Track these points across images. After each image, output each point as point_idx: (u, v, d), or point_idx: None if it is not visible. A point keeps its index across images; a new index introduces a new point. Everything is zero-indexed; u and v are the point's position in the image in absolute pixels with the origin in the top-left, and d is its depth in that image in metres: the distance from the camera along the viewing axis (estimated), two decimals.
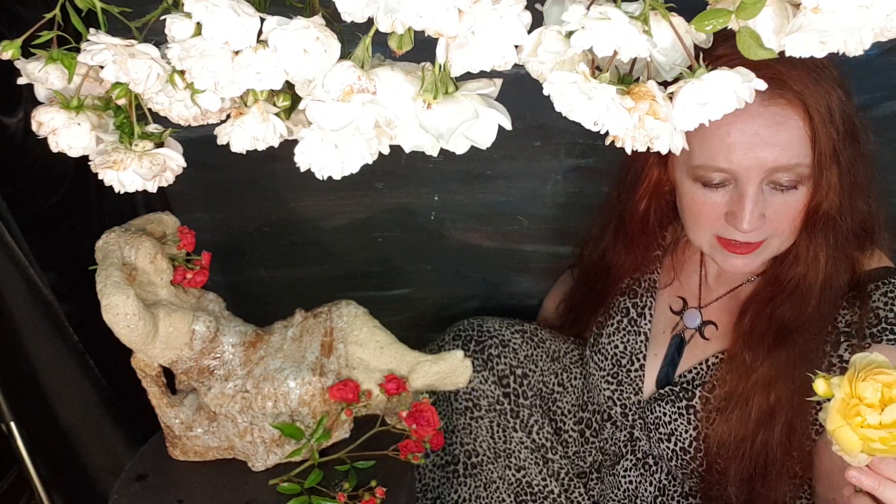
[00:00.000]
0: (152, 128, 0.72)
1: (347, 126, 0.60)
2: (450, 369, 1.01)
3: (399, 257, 1.42)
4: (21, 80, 0.70)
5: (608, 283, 1.19)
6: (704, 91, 0.56)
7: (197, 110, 0.69)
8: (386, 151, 0.66)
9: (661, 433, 1.08)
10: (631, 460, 1.15)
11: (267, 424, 0.97)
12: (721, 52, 0.77)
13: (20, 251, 1.11)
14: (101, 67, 0.64)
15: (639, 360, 1.14)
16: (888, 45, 0.55)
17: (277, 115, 0.69)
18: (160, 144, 0.72)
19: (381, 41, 0.57)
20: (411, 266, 1.43)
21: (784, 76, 0.89)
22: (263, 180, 1.35)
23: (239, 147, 0.70)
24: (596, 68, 0.58)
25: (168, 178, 0.73)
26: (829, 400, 0.71)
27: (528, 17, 0.57)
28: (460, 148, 0.62)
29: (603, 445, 1.20)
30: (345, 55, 0.60)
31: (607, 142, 0.60)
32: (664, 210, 1.09)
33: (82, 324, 1.21)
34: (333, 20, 0.62)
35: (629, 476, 1.15)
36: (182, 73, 0.63)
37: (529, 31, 0.58)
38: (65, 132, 0.69)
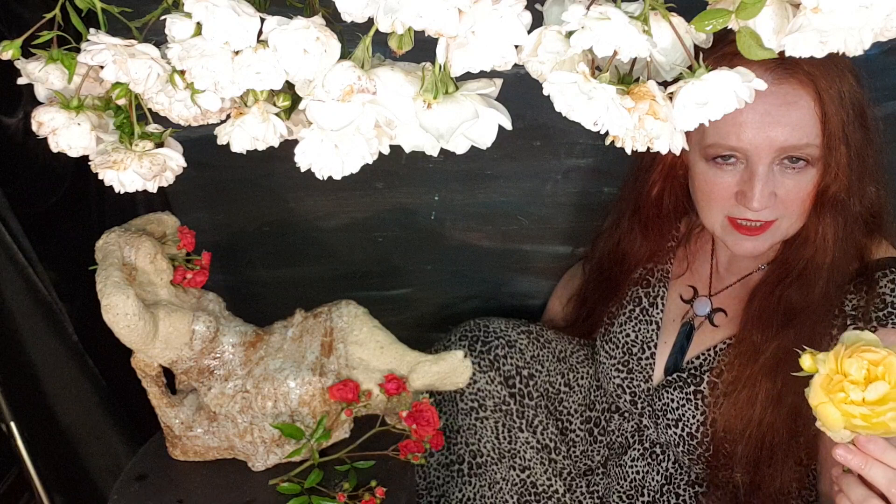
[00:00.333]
0: (152, 128, 0.72)
1: (347, 126, 0.60)
2: (450, 369, 1.01)
3: (399, 257, 1.42)
4: (21, 80, 0.70)
5: (623, 272, 1.20)
6: (704, 91, 0.56)
7: (197, 110, 0.69)
8: (386, 151, 0.66)
9: (668, 419, 1.09)
10: (638, 450, 1.16)
11: (267, 424, 0.97)
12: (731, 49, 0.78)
13: (20, 251, 1.11)
14: (101, 67, 0.64)
15: (650, 348, 1.15)
16: (888, 45, 0.55)
17: (277, 115, 0.69)
18: (160, 144, 0.72)
19: (381, 41, 0.57)
20: (411, 266, 1.43)
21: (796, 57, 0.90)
22: (263, 180, 1.35)
23: (239, 147, 0.70)
24: (596, 68, 0.58)
25: (168, 178, 0.73)
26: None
27: (528, 17, 0.57)
28: (460, 148, 0.62)
29: (610, 439, 1.20)
30: (345, 55, 0.60)
31: (607, 142, 0.60)
32: (678, 195, 1.11)
33: (82, 324, 1.21)
34: (333, 20, 0.62)
35: (636, 466, 1.16)
36: (182, 73, 0.63)
37: (529, 31, 0.58)
38: (65, 132, 0.69)
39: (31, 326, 1.15)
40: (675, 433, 1.08)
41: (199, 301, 1.01)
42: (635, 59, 0.60)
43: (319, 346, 1.00)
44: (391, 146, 0.66)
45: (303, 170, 0.65)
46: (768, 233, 0.98)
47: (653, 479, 1.15)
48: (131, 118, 0.71)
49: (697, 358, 1.09)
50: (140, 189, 0.71)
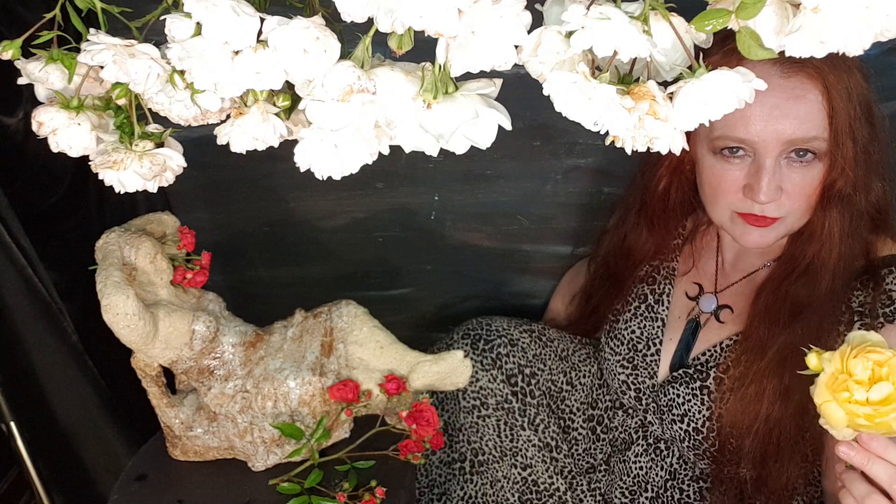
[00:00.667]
0: (152, 128, 0.72)
1: (347, 126, 0.60)
2: (450, 369, 1.01)
3: (399, 257, 1.42)
4: (21, 80, 0.70)
5: (628, 268, 1.21)
6: (704, 91, 0.56)
7: (197, 110, 0.69)
8: (386, 151, 0.66)
9: (674, 414, 1.09)
10: (642, 445, 1.16)
11: (267, 424, 0.97)
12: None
13: (20, 251, 1.11)
14: (101, 67, 0.64)
15: (655, 344, 1.15)
16: (888, 45, 0.55)
17: (277, 115, 0.69)
18: (160, 144, 0.72)
19: (381, 41, 0.57)
20: (411, 266, 1.43)
21: None
22: (263, 180, 1.35)
23: (239, 147, 0.70)
24: (596, 68, 0.58)
25: (168, 178, 0.73)
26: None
27: (528, 17, 0.57)
28: (460, 148, 0.62)
29: (613, 436, 1.20)
30: (345, 55, 0.60)
31: (607, 142, 0.60)
32: (685, 190, 1.11)
33: (82, 324, 1.21)
34: (333, 20, 0.62)
35: (640, 462, 1.16)
36: (182, 73, 0.63)
37: (529, 31, 0.58)
38: (65, 132, 0.69)
39: (31, 326, 1.15)
40: (681, 428, 1.09)
41: (199, 301, 1.01)
42: (635, 59, 0.60)
43: (319, 346, 1.00)
44: (391, 146, 0.66)
45: (303, 170, 0.65)
46: (775, 225, 0.99)
47: (656, 475, 1.15)
48: (131, 118, 0.71)
49: (703, 354, 1.10)
50: (140, 189, 0.71)
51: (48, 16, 0.65)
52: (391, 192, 1.34)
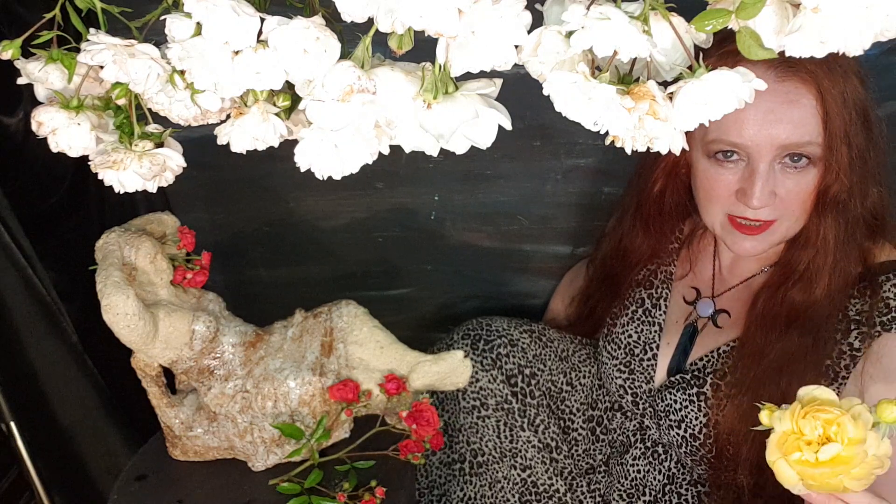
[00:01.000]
0: (152, 128, 0.72)
1: (347, 126, 0.60)
2: (450, 369, 1.01)
3: (399, 257, 1.42)
4: (21, 80, 0.70)
5: (625, 270, 1.20)
6: (704, 91, 0.56)
7: (197, 110, 0.69)
8: (386, 151, 0.66)
9: (671, 420, 1.09)
10: (640, 449, 1.16)
11: (267, 424, 0.97)
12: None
13: (20, 251, 1.11)
14: (101, 67, 0.64)
15: (652, 349, 1.15)
16: (888, 45, 0.55)
17: (277, 115, 0.69)
18: (160, 144, 0.72)
19: (381, 41, 0.57)
20: (411, 266, 1.43)
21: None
22: (263, 180, 1.35)
23: (239, 147, 0.70)
24: (596, 68, 0.58)
25: (168, 178, 0.73)
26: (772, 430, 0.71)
27: (528, 17, 0.57)
28: (460, 148, 0.62)
29: (612, 437, 1.20)
30: (345, 55, 0.60)
31: (607, 142, 0.60)
32: (680, 193, 1.11)
33: (82, 324, 1.21)
34: (333, 20, 0.62)
35: (637, 465, 1.16)
36: (182, 73, 0.63)
37: (529, 31, 0.58)
38: (65, 132, 0.69)
39: (31, 326, 1.15)
40: (678, 434, 1.08)
41: (199, 301, 1.01)
42: (635, 59, 0.60)
43: (319, 346, 1.00)
44: (391, 146, 0.66)
45: (303, 170, 0.65)
46: (767, 233, 0.98)
47: (654, 479, 1.15)
48: (131, 118, 0.70)
49: (701, 360, 1.09)
50: (140, 189, 0.71)
51: (48, 16, 0.65)
52: (391, 192, 1.35)
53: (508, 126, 0.61)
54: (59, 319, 1.18)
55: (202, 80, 0.61)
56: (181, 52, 0.60)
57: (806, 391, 0.71)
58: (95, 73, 0.68)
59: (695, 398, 1.07)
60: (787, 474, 0.70)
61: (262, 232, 1.41)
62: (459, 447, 1.16)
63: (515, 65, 0.59)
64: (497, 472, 1.15)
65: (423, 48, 0.60)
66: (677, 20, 0.58)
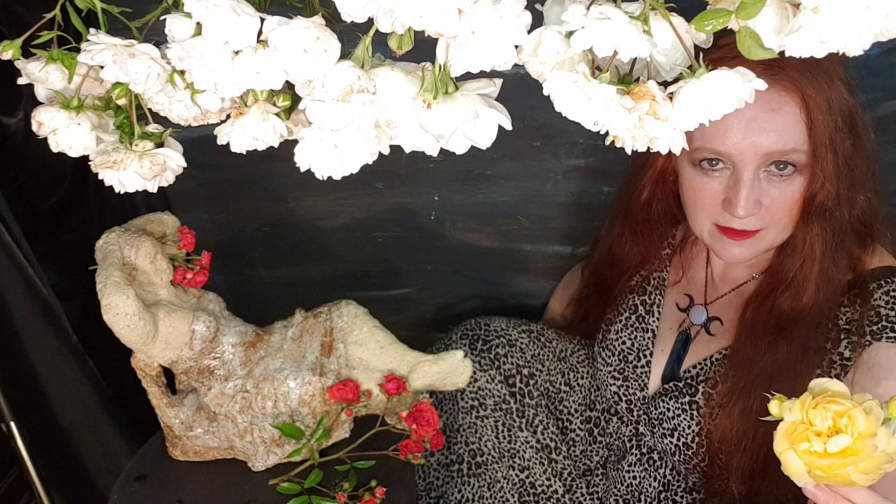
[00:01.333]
0: (152, 128, 0.72)
1: (347, 126, 0.60)
2: (449, 369, 1.01)
3: (399, 257, 1.42)
4: (21, 80, 0.70)
5: (615, 276, 1.20)
6: (704, 91, 0.56)
7: (197, 110, 0.69)
8: (386, 151, 0.66)
9: (664, 428, 1.09)
10: (636, 455, 1.16)
11: (267, 424, 0.97)
12: (723, 42, 0.77)
13: (20, 251, 1.11)
14: (101, 67, 0.64)
15: (645, 356, 1.14)
16: (888, 45, 0.55)
17: (277, 115, 0.69)
18: (160, 144, 0.72)
19: (381, 41, 0.57)
20: (411, 266, 1.43)
21: (782, 62, 0.89)
22: (263, 180, 1.35)
23: (239, 147, 0.70)
24: (596, 68, 0.58)
25: (168, 178, 0.73)
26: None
27: (528, 17, 0.57)
28: (460, 148, 0.62)
29: (609, 441, 1.20)
30: (345, 55, 0.60)
31: (607, 142, 0.60)
32: (668, 201, 1.11)
33: (82, 324, 1.21)
34: (333, 20, 0.62)
35: (633, 471, 1.16)
36: (182, 73, 0.63)
37: (529, 31, 0.58)
38: (65, 132, 0.69)
39: (31, 326, 1.15)
40: (671, 443, 1.08)
41: (199, 301, 1.01)
42: (635, 59, 0.60)
43: (319, 346, 1.00)
44: (391, 146, 0.66)
45: (303, 170, 0.65)
46: (754, 240, 0.98)
47: (650, 486, 1.15)
48: (131, 118, 0.71)
49: (694, 367, 1.09)
50: (140, 189, 0.71)
51: (48, 16, 0.65)
52: (391, 192, 1.34)
53: (508, 126, 0.61)
54: (60, 319, 1.18)
55: (202, 80, 0.61)
56: (181, 52, 0.60)
57: (817, 383, 0.71)
58: (95, 73, 0.68)
59: (687, 407, 1.06)
60: (795, 465, 0.69)
61: (262, 232, 1.41)
62: (458, 448, 1.16)
63: (515, 65, 0.59)
64: (496, 473, 1.15)
65: (423, 48, 0.60)
66: (677, 20, 0.58)
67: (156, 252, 0.96)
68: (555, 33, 0.58)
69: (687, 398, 1.06)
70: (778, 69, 0.90)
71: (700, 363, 1.08)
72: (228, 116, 0.70)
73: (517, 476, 1.15)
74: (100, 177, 0.70)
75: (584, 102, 0.57)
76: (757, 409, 0.99)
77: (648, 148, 0.60)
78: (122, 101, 0.70)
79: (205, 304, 1.01)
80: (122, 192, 0.71)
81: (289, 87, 0.66)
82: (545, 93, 0.59)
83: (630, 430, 1.17)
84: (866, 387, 0.94)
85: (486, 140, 0.61)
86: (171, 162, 0.72)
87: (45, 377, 1.19)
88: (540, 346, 1.21)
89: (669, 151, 1.05)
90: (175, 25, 0.59)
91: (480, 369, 1.16)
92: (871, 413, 0.68)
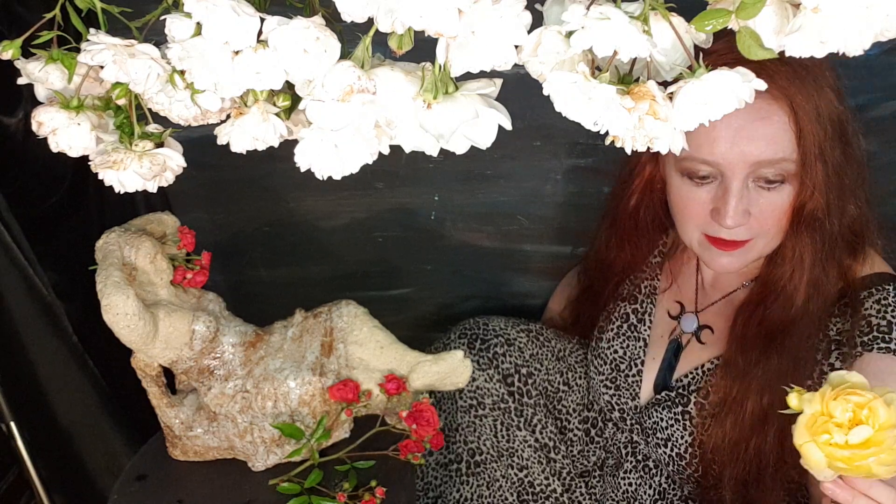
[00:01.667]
0: (152, 128, 0.72)
1: (347, 126, 0.60)
2: (450, 369, 1.01)
3: (399, 257, 1.42)
4: (21, 80, 0.70)
5: (605, 282, 1.20)
6: (704, 91, 0.56)
7: (197, 110, 0.69)
8: (386, 151, 0.66)
9: (658, 438, 1.08)
10: (631, 462, 1.16)
11: (267, 424, 0.97)
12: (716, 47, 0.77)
13: (20, 251, 1.11)
14: (101, 67, 0.64)
15: (637, 365, 1.14)
16: (888, 45, 0.55)
17: (277, 115, 0.69)
18: (160, 144, 0.72)
19: (381, 41, 0.57)
20: (411, 266, 1.43)
21: (770, 71, 0.88)
22: (263, 180, 1.35)
23: (239, 147, 0.70)
24: (596, 68, 0.58)
25: (168, 178, 0.73)
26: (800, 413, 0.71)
27: (528, 17, 0.57)
28: (460, 148, 0.62)
29: (606, 444, 1.20)
30: (345, 55, 0.60)
31: (607, 142, 0.60)
32: (656, 208, 1.10)
33: (82, 324, 1.21)
34: (333, 20, 0.62)
35: (629, 478, 1.16)
36: (182, 73, 0.63)
37: (529, 31, 0.58)
38: (65, 132, 0.69)
39: (32, 326, 1.15)
40: (665, 452, 1.08)
41: (199, 301, 1.01)
42: (635, 59, 0.60)
43: (319, 346, 1.00)
44: (391, 146, 0.66)
45: (303, 170, 0.65)
46: (743, 249, 0.97)
47: (645, 494, 1.14)
48: (131, 118, 0.71)
49: (686, 377, 1.08)
50: (140, 189, 0.71)
51: (48, 16, 0.65)
52: (391, 192, 1.35)
53: (508, 126, 0.61)
54: (60, 319, 1.18)
55: (202, 80, 0.61)
56: (181, 52, 0.60)
57: (837, 374, 0.71)
58: (95, 73, 0.68)
59: (680, 417, 1.06)
60: (815, 457, 0.69)
61: (262, 232, 1.41)
62: (456, 447, 1.16)
63: (515, 65, 0.59)
64: (495, 472, 1.15)
65: (423, 48, 0.60)
66: (677, 20, 0.58)
67: (156, 252, 0.96)
68: (555, 33, 0.58)
69: (679, 408, 1.06)
70: (767, 77, 0.90)
71: (691, 372, 1.08)
72: (228, 116, 0.70)
73: (516, 475, 1.15)
74: (100, 177, 0.70)
75: (584, 102, 0.57)
76: (749, 420, 0.98)
77: (648, 148, 0.60)
78: (122, 101, 0.70)
79: (205, 304, 1.01)
80: (121, 192, 0.71)
81: (289, 87, 0.66)
82: (545, 93, 0.59)
83: (625, 437, 1.17)
84: None
85: (486, 140, 0.61)
86: (171, 162, 0.72)
87: (45, 377, 1.19)
88: (538, 345, 1.21)
89: (657, 158, 1.06)
90: (175, 25, 0.59)
91: (479, 368, 1.15)
92: (892, 404, 0.67)
